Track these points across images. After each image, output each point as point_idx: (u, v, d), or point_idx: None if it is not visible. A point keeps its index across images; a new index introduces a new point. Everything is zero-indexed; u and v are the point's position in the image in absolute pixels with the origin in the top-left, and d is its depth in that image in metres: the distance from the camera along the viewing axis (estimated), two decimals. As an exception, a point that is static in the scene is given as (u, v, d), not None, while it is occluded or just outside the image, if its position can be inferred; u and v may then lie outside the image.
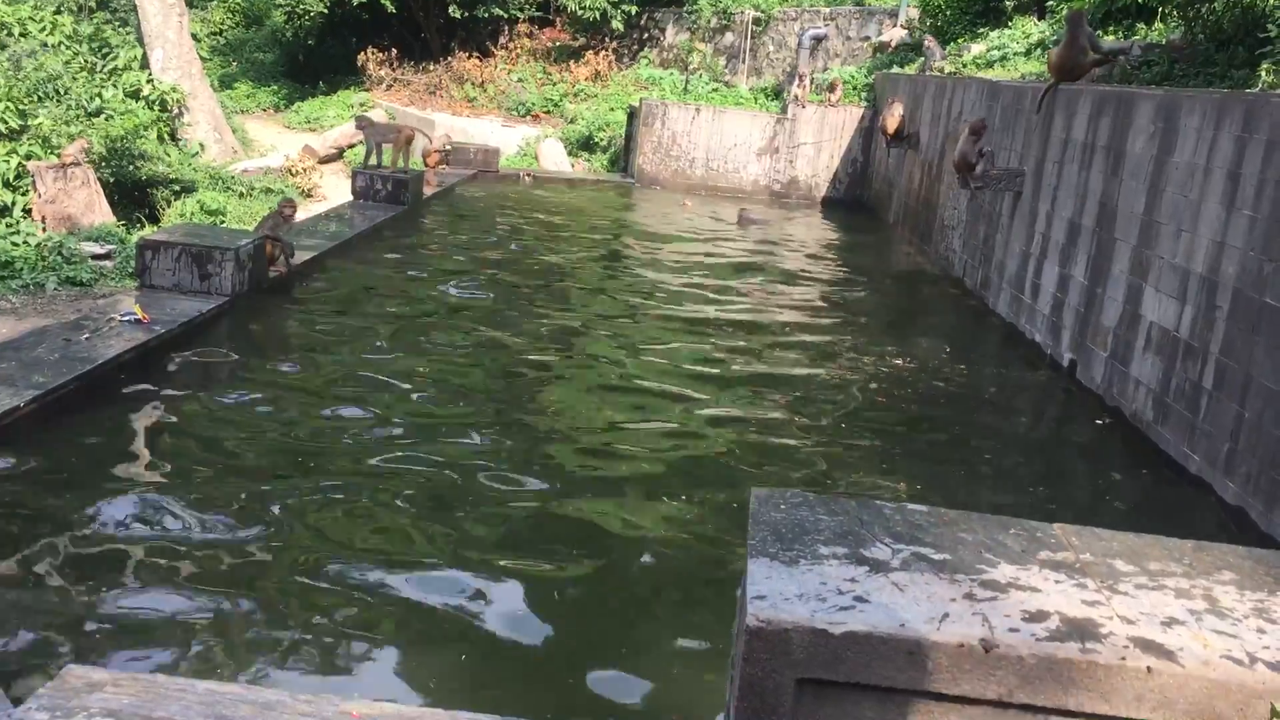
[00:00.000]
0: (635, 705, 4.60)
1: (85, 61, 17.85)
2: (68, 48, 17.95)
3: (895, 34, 21.14)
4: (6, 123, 13.46)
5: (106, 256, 10.85)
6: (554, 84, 26.02)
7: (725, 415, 8.14)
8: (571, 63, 26.58)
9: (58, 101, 15.47)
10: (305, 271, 11.18)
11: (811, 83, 21.19)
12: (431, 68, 26.74)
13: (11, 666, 4.39)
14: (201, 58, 21.76)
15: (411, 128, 16.80)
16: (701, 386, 8.78)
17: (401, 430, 7.30)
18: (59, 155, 12.81)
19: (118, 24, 23.38)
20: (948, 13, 19.12)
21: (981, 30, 17.65)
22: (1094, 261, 9.32)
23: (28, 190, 12.63)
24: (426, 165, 18.23)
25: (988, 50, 15.99)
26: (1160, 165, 8.28)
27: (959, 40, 18.16)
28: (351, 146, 22.65)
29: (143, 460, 6.47)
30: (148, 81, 18.20)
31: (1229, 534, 6.35)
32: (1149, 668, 2.67)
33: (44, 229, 11.97)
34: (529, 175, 20.53)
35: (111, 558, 5.30)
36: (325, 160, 21.41)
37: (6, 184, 12.65)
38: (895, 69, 19.85)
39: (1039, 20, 16.03)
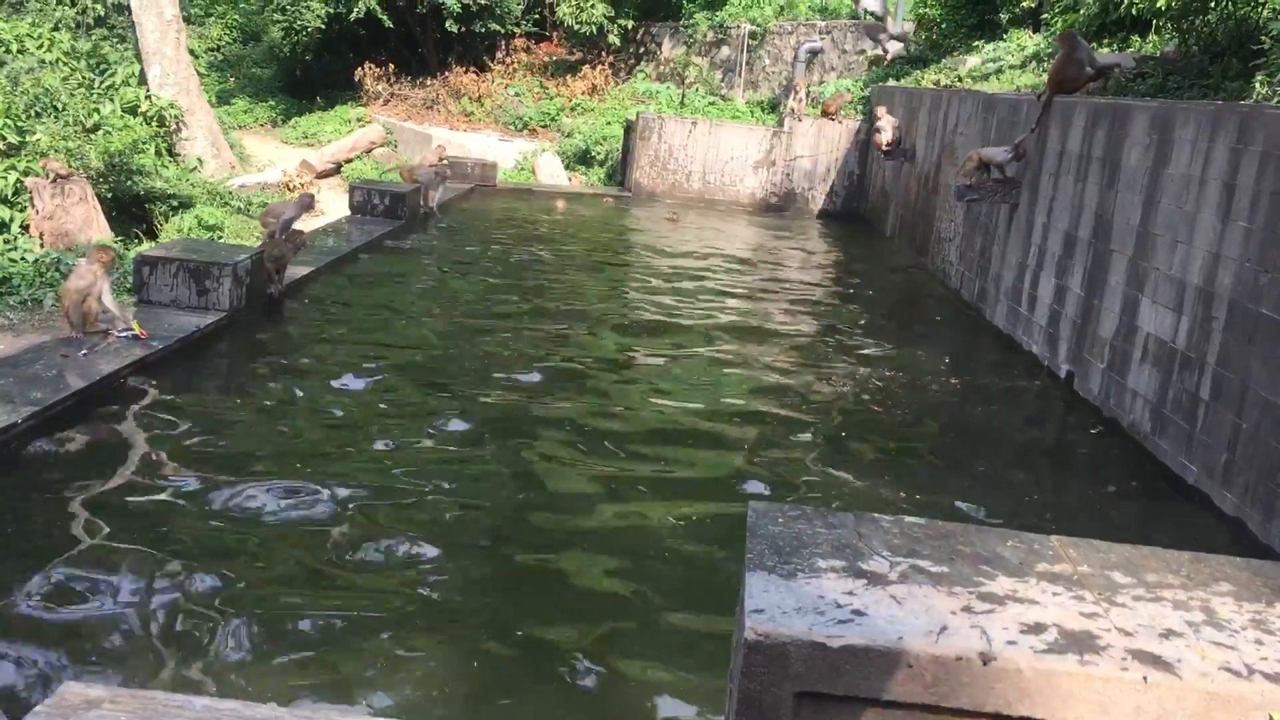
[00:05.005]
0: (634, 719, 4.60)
1: (83, 78, 17.88)
2: (65, 64, 17.98)
3: (891, 47, 21.21)
4: (4, 139, 13.48)
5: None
6: (551, 98, 26.09)
7: (722, 428, 8.14)
8: (568, 77, 26.66)
9: (55, 117, 15.49)
10: (303, 286, 11.19)
11: (808, 95, 21.25)
12: (429, 83, 26.82)
13: (9, 683, 4.38)
14: (199, 73, 21.78)
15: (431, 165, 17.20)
16: (697, 399, 8.78)
17: (399, 446, 7.29)
18: (43, 169, 12.79)
19: (115, 40, 23.45)
20: (943, 26, 19.20)
21: (976, 44, 17.72)
22: (1090, 273, 9.34)
23: (25, 206, 12.63)
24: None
25: (983, 63, 16.05)
26: (1155, 177, 8.31)
27: (955, 54, 18.23)
28: (349, 161, 22.70)
29: (139, 476, 6.46)
30: (145, 97, 18.23)
31: (1227, 545, 6.35)
32: (1147, 679, 2.67)
33: (42, 245, 11.98)
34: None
35: (109, 573, 5.29)
36: (323, 175, 21.44)
37: (4, 200, 12.65)
38: (891, 82, 19.92)
39: (1034, 33, 16.10)
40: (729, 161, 20.83)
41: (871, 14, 21.73)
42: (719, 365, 9.84)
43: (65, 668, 4.48)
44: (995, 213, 12.00)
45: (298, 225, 11.99)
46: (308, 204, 12.48)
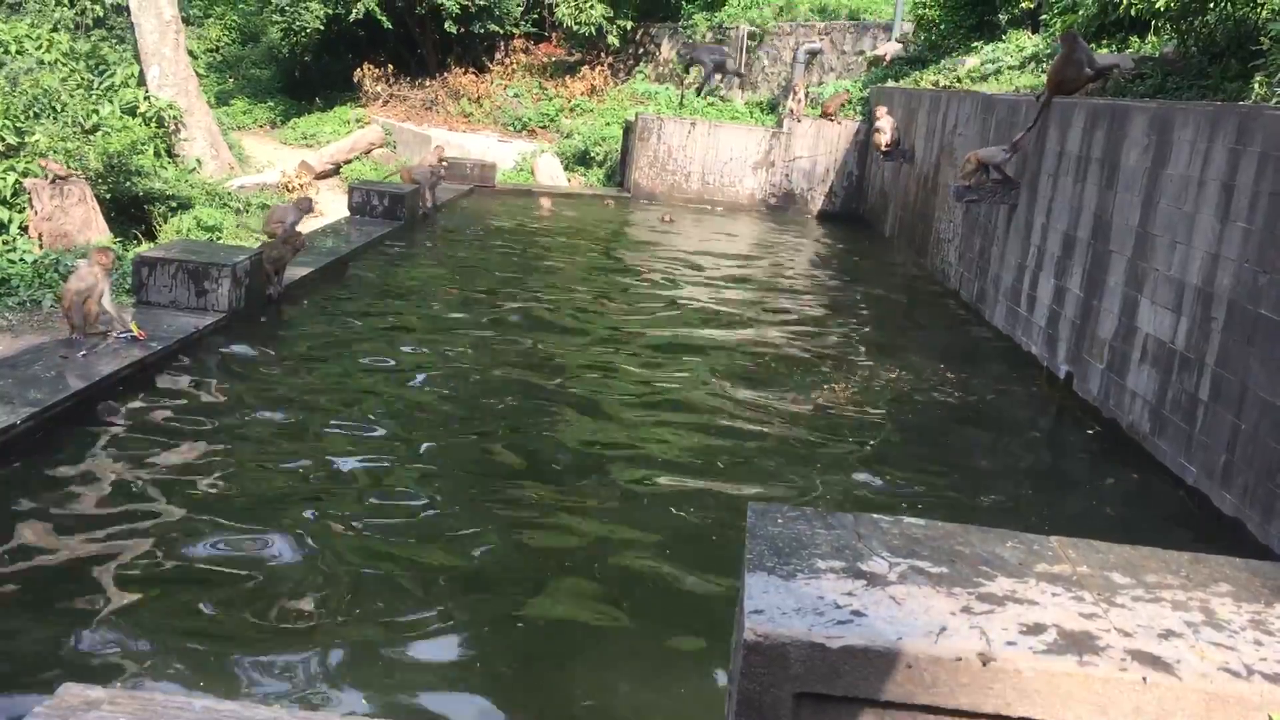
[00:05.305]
0: (633, 720, 4.60)
1: (82, 79, 17.85)
2: (64, 65, 17.95)
3: (890, 48, 21.22)
4: (3, 140, 13.47)
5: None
6: (550, 99, 26.10)
7: (721, 430, 8.14)
8: (567, 78, 26.67)
9: (54, 118, 15.47)
10: (302, 287, 11.18)
11: (807, 96, 21.24)
12: (428, 83, 26.82)
13: (8, 684, 4.38)
14: (198, 74, 21.76)
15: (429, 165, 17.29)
16: (695, 401, 8.79)
17: (397, 449, 7.29)
18: (42, 170, 12.79)
19: (114, 41, 23.43)
20: (942, 27, 19.20)
21: (975, 44, 17.72)
22: (1089, 274, 9.34)
23: (24, 207, 12.62)
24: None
25: (982, 64, 16.05)
26: (1154, 178, 8.31)
27: (953, 54, 18.23)
28: (349, 162, 22.69)
29: (138, 477, 6.46)
30: (144, 98, 18.21)
31: (1226, 545, 6.35)
32: (1146, 680, 2.67)
33: (41, 246, 11.97)
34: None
35: (108, 574, 5.29)
36: (321, 176, 21.42)
37: (3, 201, 12.64)
38: (890, 83, 19.92)
39: (1033, 34, 16.10)
40: (728, 162, 20.83)
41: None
42: (718, 366, 9.83)
43: (64, 669, 4.47)
44: (994, 213, 12.00)
45: (286, 227, 12.24)
46: (306, 208, 12.85)
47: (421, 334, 10.22)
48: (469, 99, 26.17)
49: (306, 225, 13.90)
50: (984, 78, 15.46)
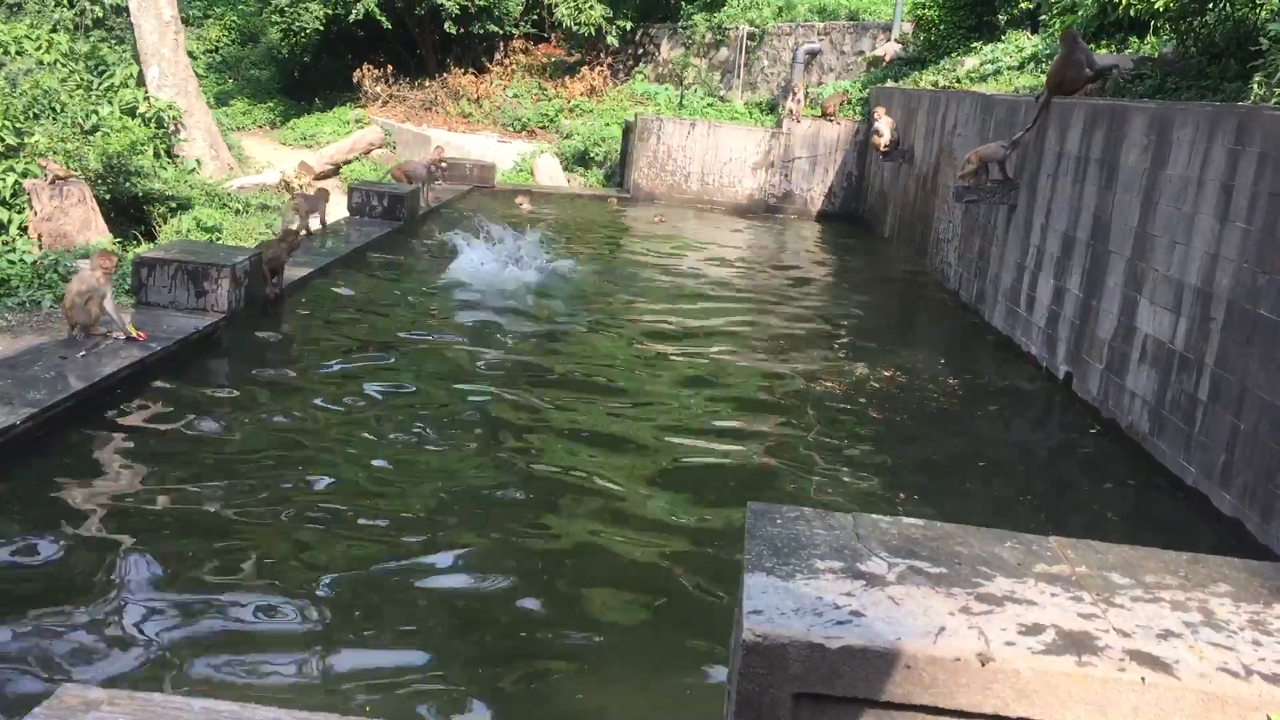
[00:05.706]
0: (633, 721, 4.60)
1: (81, 79, 17.88)
2: (64, 65, 17.98)
3: (889, 48, 21.23)
4: (3, 140, 13.47)
5: (102, 274, 10.83)
6: (549, 99, 26.11)
7: (720, 430, 8.14)
8: (567, 78, 26.68)
9: (54, 119, 15.48)
10: (301, 287, 11.18)
11: (806, 96, 21.25)
12: (427, 84, 26.84)
13: (6, 685, 4.38)
14: (197, 75, 21.79)
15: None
16: (694, 402, 8.79)
17: (395, 448, 7.29)
18: (42, 170, 12.80)
19: (114, 42, 23.47)
20: (941, 27, 19.21)
21: (975, 45, 17.72)
22: (1089, 274, 9.34)
23: (24, 208, 12.63)
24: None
25: (981, 64, 16.06)
26: (1154, 178, 8.31)
27: (953, 55, 18.24)
28: (348, 163, 22.70)
29: (137, 478, 6.46)
30: (144, 99, 18.22)
31: (1225, 546, 6.35)
32: (1145, 680, 2.67)
33: (40, 247, 11.97)
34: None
35: (107, 575, 5.29)
36: (321, 176, 21.42)
37: (3, 202, 12.65)
38: (889, 83, 19.93)
39: (1031, 34, 16.11)
40: (728, 163, 20.83)
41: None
42: (716, 367, 9.83)
43: (63, 670, 4.47)
44: (994, 214, 12.00)
45: (294, 226, 12.36)
46: (325, 198, 14.08)
47: (421, 333, 10.22)
48: (468, 99, 26.19)
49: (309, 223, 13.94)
50: (983, 78, 15.46)
